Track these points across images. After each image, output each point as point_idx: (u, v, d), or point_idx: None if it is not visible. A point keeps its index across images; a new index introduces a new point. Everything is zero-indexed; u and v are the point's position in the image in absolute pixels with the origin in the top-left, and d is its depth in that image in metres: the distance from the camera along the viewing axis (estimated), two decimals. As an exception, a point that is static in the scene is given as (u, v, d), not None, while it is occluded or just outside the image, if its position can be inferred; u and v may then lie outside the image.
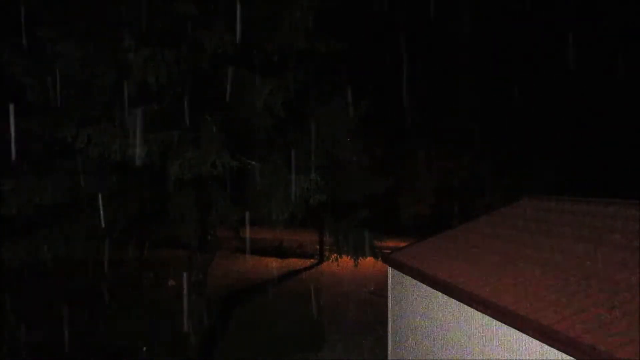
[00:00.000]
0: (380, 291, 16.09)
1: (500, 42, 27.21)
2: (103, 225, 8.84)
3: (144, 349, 12.14)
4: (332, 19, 10.80)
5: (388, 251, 11.14)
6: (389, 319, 10.66)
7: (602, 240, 7.35)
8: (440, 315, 8.35)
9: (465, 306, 7.41)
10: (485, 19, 26.67)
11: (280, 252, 25.92)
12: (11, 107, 8.35)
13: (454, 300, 7.77)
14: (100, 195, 8.78)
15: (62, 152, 9.03)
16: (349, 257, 12.32)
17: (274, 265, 23.54)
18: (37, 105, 9.12)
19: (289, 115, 9.20)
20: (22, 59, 8.93)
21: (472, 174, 28.47)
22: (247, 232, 11.45)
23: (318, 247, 24.70)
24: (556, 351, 5.38)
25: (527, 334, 5.88)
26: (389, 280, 10.68)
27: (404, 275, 9.75)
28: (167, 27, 8.94)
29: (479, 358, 7.12)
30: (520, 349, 6.16)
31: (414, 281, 9.27)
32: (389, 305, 10.70)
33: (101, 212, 8.82)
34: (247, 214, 10.17)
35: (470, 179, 28.66)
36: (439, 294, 8.26)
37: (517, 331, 6.14)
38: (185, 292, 11.13)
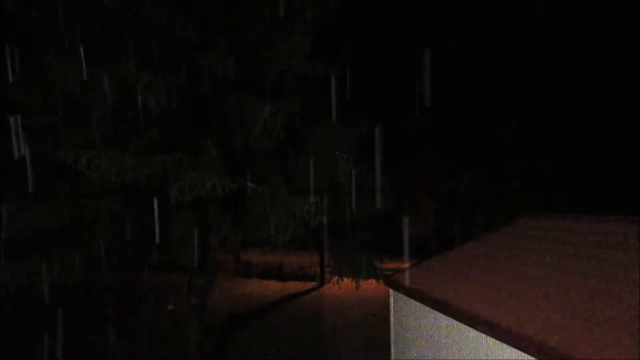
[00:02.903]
0: (382, 313, 15.87)
1: (500, 57, 27.51)
2: (102, 248, 8.81)
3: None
4: (330, 42, 10.97)
5: (389, 273, 11.04)
6: (392, 342, 10.50)
7: (604, 257, 7.30)
8: (443, 336, 8.23)
9: (468, 327, 7.31)
10: (486, 33, 27.00)
11: (280, 274, 25.69)
12: (12, 130, 8.41)
13: (456, 322, 7.67)
14: (99, 219, 8.76)
15: (62, 175, 9.05)
16: (350, 279, 12.21)
17: (274, 288, 23.30)
18: (37, 128, 9.18)
19: (288, 137, 9.27)
20: (23, 81, 9.03)
21: (473, 192, 28.48)
22: (247, 255, 11.40)
23: (319, 269, 24.49)
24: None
25: (531, 354, 5.78)
26: (391, 303, 10.56)
27: (406, 297, 9.64)
28: (168, 52, 9.08)
29: (484, 381, 6.98)
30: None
31: (416, 303, 9.16)
32: (392, 327, 10.55)
33: (101, 236, 8.80)
34: (247, 237, 10.13)
35: (471, 197, 28.64)
36: (442, 315, 8.16)
37: (520, 352, 6.04)
38: (184, 316, 10.99)
